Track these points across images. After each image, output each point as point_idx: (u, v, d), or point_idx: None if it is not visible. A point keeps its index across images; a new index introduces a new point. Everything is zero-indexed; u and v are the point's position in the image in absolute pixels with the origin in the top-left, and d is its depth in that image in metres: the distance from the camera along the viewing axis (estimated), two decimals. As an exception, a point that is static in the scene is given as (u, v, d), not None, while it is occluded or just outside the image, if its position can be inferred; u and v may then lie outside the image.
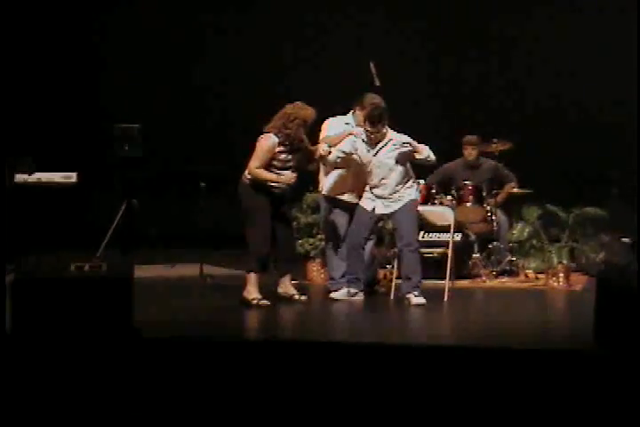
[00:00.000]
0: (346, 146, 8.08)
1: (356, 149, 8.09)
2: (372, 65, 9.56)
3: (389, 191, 8.09)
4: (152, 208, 10.30)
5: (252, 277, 7.86)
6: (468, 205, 9.56)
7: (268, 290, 8.03)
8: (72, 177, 9.98)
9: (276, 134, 7.84)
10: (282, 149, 7.87)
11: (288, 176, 7.86)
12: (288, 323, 7.78)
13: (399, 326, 7.54)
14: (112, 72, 11.86)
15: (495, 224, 9.67)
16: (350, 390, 5.64)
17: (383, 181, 8.07)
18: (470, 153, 9.93)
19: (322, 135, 8.30)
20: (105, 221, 9.89)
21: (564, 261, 9.16)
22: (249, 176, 7.92)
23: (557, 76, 11.28)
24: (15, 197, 8.81)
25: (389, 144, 8.06)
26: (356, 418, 5.54)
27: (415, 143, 8.06)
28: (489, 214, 9.66)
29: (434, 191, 9.10)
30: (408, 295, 8.00)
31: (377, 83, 9.61)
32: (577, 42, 11.20)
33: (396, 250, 8.32)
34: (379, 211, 8.13)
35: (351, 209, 8.29)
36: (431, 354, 5.97)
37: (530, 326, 7.26)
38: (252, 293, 7.87)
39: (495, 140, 9.98)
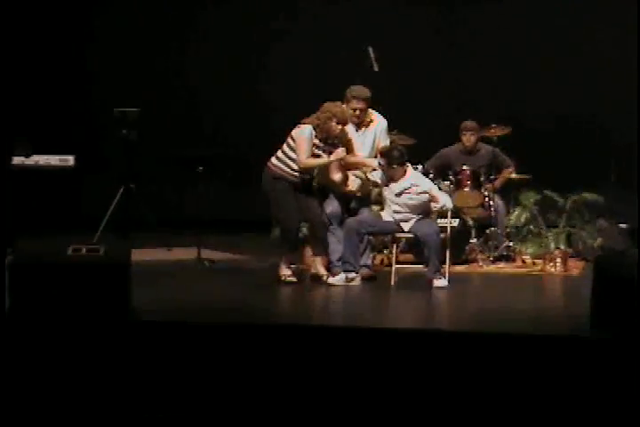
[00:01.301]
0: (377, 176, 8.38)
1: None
2: (370, 49, 9.54)
3: (407, 219, 8.24)
4: (150, 192, 10.29)
5: (283, 256, 8.26)
6: (466, 190, 9.56)
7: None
8: (69, 160, 9.94)
9: (313, 128, 8.11)
10: (316, 142, 8.12)
11: (338, 153, 8.14)
12: (284, 308, 7.80)
13: (397, 311, 7.56)
14: (110, 55, 11.82)
15: (492, 210, 9.66)
16: (347, 375, 5.66)
17: (401, 216, 8.23)
18: (469, 139, 9.91)
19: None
20: (102, 204, 9.88)
21: (562, 247, 9.16)
22: (273, 161, 8.19)
23: (557, 62, 11.24)
24: (13, 180, 8.79)
25: (411, 188, 8.22)
26: (352, 402, 5.56)
27: (434, 192, 8.28)
28: (486, 200, 9.65)
29: (432, 177, 9.13)
30: (431, 277, 8.10)
31: (375, 68, 9.59)
32: (576, 26, 11.17)
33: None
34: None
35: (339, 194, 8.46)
36: (428, 339, 5.98)
37: (527, 311, 7.27)
38: (282, 270, 8.28)
39: (493, 125, 9.96)
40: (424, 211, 8.27)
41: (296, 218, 8.20)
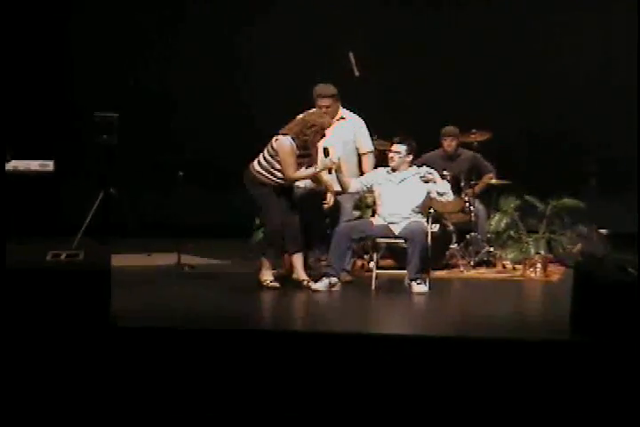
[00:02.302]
0: (369, 178, 8.44)
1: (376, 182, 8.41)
2: (351, 55, 9.56)
3: (399, 220, 8.28)
4: (129, 197, 10.26)
5: (265, 261, 8.24)
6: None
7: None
8: (49, 165, 9.91)
9: (292, 138, 8.08)
10: (297, 153, 8.12)
11: (324, 162, 8.17)
12: (265, 313, 7.79)
13: (378, 316, 7.55)
14: (89, 60, 11.78)
15: (473, 215, 9.68)
16: (329, 380, 5.65)
17: (396, 210, 8.28)
18: (449, 144, 9.92)
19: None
20: (82, 210, 9.84)
21: (542, 252, 9.19)
22: (257, 168, 8.18)
23: (539, 67, 11.27)
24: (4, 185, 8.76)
25: (414, 176, 8.36)
26: (333, 408, 5.55)
27: (436, 175, 8.41)
28: (467, 205, 9.66)
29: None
30: (410, 283, 8.13)
31: (356, 73, 9.61)
32: (559, 27, 11.22)
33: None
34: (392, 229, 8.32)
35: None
36: (408, 345, 5.98)
37: (507, 316, 7.29)
38: (265, 275, 8.25)
39: (474, 130, 9.99)
40: (419, 207, 8.30)
41: (280, 221, 8.20)
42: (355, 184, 8.45)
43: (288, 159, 8.06)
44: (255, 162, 8.24)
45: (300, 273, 8.29)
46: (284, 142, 8.09)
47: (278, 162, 8.11)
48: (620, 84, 10.99)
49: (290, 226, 8.24)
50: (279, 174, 8.14)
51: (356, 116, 8.69)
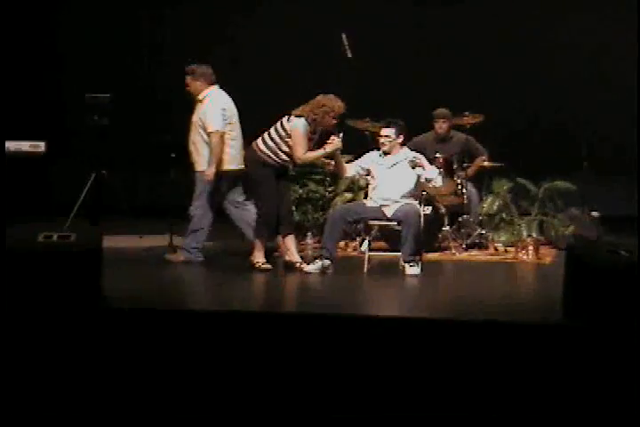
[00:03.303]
0: (365, 161, 8.44)
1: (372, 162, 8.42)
2: (344, 37, 9.52)
3: (391, 203, 8.30)
4: (121, 179, 10.23)
5: (258, 242, 8.23)
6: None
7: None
8: (40, 146, 9.87)
9: (305, 119, 8.09)
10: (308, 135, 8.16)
11: (335, 142, 8.12)
12: (257, 295, 7.79)
13: (371, 298, 7.56)
14: (80, 40, 11.73)
15: (465, 197, 9.67)
16: (323, 363, 5.65)
17: (388, 194, 8.30)
18: (441, 126, 9.89)
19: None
20: (73, 191, 9.82)
21: (534, 235, 9.20)
22: (261, 147, 8.17)
23: (531, 51, 11.26)
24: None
25: (406, 160, 8.36)
26: (328, 390, 5.56)
27: (424, 161, 8.44)
28: (459, 187, 9.65)
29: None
30: (404, 265, 8.14)
31: (349, 55, 9.58)
32: (553, 13, 11.21)
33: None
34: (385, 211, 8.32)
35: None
36: (400, 326, 5.98)
37: (499, 298, 7.30)
38: (257, 257, 8.24)
39: (466, 113, 9.96)
40: (410, 192, 8.30)
41: (275, 202, 8.20)
42: (351, 169, 8.44)
43: (301, 140, 8.08)
44: (260, 141, 8.22)
45: (293, 255, 8.28)
46: (298, 124, 8.11)
47: (286, 143, 8.12)
48: (616, 66, 10.98)
49: (283, 208, 8.24)
50: (284, 156, 8.15)
51: (216, 96, 8.53)
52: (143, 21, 11.86)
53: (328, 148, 8.18)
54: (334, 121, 8.20)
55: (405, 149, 8.48)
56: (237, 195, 8.63)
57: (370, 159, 8.45)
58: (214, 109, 8.45)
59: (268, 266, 8.24)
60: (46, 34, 11.86)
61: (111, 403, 5.60)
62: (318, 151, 8.22)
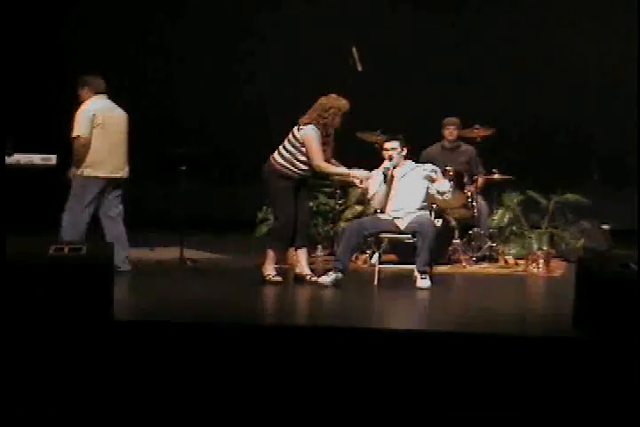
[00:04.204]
0: (377, 180, 8.40)
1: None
2: (353, 49, 9.55)
3: (404, 214, 8.31)
4: (132, 191, 10.24)
5: (271, 255, 8.22)
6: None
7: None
8: (52, 159, 9.89)
9: (315, 125, 8.08)
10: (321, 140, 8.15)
11: (362, 173, 8.20)
12: (269, 308, 7.79)
13: (381, 311, 7.55)
14: (92, 52, 11.77)
15: (475, 210, 9.67)
16: (333, 375, 5.65)
17: (400, 206, 8.32)
18: (451, 133, 9.90)
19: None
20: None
21: (544, 248, 9.18)
22: (278, 160, 8.16)
23: (542, 64, 11.27)
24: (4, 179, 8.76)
25: (415, 169, 8.42)
26: (338, 402, 5.55)
27: (438, 174, 8.49)
28: (469, 200, 9.66)
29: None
30: (419, 270, 8.14)
31: (359, 68, 9.60)
32: (566, 20, 11.22)
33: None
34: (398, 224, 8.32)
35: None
36: (410, 339, 5.97)
37: (509, 311, 7.28)
38: (267, 269, 8.23)
39: (477, 125, 9.97)
40: (422, 202, 8.33)
41: (293, 216, 8.18)
42: (373, 187, 8.41)
43: (314, 147, 8.06)
44: (276, 154, 8.21)
45: (305, 268, 8.28)
46: (309, 131, 8.10)
47: (301, 152, 8.11)
48: (624, 80, 10.98)
49: (301, 220, 8.25)
50: (302, 166, 8.14)
51: (92, 103, 8.60)
52: (151, 34, 11.89)
53: (357, 174, 8.20)
54: (341, 119, 8.17)
55: (409, 161, 8.49)
56: (112, 208, 8.60)
57: (380, 174, 8.44)
58: (82, 115, 8.55)
59: (279, 278, 8.23)
60: (57, 45, 11.90)
61: (122, 417, 5.59)
62: (340, 168, 8.22)
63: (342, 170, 8.24)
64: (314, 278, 8.19)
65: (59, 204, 8.58)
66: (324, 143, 8.15)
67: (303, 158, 8.12)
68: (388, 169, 8.32)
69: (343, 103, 8.17)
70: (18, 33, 11.56)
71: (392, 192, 8.34)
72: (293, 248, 8.38)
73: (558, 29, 11.22)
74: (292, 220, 8.17)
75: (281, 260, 8.45)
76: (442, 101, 11.07)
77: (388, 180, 8.32)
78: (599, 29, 11.12)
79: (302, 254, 8.32)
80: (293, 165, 8.14)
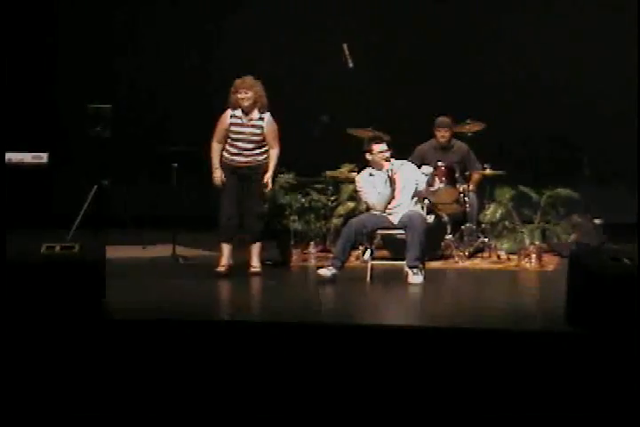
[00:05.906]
0: (371, 184, 8.47)
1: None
2: (344, 47, 9.55)
3: (396, 210, 8.38)
4: (123, 189, 10.25)
5: (220, 247, 8.40)
6: (441, 186, 9.54)
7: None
8: (43, 157, 9.90)
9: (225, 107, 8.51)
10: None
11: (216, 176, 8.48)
12: (262, 304, 7.79)
13: (374, 307, 7.56)
14: (81, 51, 11.76)
15: (468, 205, 9.68)
16: (325, 372, 5.65)
17: (393, 202, 8.39)
18: (443, 135, 9.88)
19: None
20: (75, 202, 9.83)
21: (536, 242, 9.18)
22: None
23: (530, 57, 11.27)
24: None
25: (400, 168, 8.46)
26: (331, 399, 5.55)
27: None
28: (461, 196, 9.66)
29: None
30: (408, 271, 8.16)
31: (350, 64, 9.60)
32: (553, 19, 11.22)
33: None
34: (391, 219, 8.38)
35: None
36: (403, 335, 5.98)
37: (502, 306, 7.29)
38: (220, 261, 8.39)
39: (468, 120, 9.96)
40: (413, 194, 8.40)
41: (232, 214, 8.38)
42: (371, 191, 8.43)
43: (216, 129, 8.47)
44: None
45: (253, 260, 8.44)
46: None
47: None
48: (616, 74, 10.99)
49: (248, 216, 8.43)
50: (227, 154, 8.45)
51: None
52: (146, 34, 11.88)
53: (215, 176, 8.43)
54: (238, 95, 8.37)
55: (394, 160, 8.55)
56: None
57: (371, 181, 8.45)
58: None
59: (222, 270, 8.33)
60: (48, 44, 11.88)
61: (116, 415, 5.59)
62: (214, 161, 8.44)
63: (214, 162, 8.47)
64: (254, 270, 8.36)
65: (51, 202, 8.61)
66: (240, 125, 8.35)
67: (228, 148, 8.44)
68: (391, 171, 8.35)
69: (236, 81, 8.44)
70: (8, 31, 11.54)
71: (384, 191, 8.36)
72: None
73: (554, 28, 11.21)
74: (230, 212, 8.37)
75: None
76: (432, 96, 11.04)
77: (391, 181, 8.36)
78: (598, 28, 11.10)
79: (254, 249, 8.45)
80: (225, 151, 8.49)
